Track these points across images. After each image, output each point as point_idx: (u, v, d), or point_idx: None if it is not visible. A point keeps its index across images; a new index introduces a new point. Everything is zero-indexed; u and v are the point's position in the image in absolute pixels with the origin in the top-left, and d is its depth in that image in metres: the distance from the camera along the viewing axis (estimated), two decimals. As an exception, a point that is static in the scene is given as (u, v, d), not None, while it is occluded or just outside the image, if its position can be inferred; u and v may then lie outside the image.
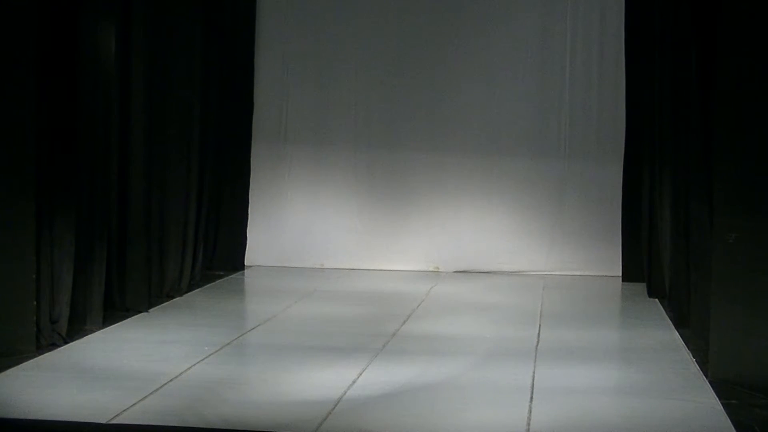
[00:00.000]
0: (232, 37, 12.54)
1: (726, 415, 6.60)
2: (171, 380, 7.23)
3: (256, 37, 12.79)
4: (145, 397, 6.80)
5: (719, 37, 7.53)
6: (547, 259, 12.64)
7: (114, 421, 6.30)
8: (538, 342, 8.77)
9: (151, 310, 9.83)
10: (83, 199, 8.93)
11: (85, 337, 8.57)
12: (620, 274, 12.17)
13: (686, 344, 8.60)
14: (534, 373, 7.62)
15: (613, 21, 12.35)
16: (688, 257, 9.22)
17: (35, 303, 8.08)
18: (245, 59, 12.71)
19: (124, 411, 6.48)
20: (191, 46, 11.26)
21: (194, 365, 7.70)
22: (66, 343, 8.30)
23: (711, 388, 7.19)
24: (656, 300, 10.75)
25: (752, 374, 7.16)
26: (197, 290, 11.19)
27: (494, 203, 12.75)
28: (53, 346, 8.16)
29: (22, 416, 6.34)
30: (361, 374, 7.49)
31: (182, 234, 11.18)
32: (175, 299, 10.57)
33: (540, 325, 9.49)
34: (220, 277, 12.10)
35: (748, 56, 7.27)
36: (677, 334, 9.07)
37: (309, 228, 12.93)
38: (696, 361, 7.99)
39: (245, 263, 12.74)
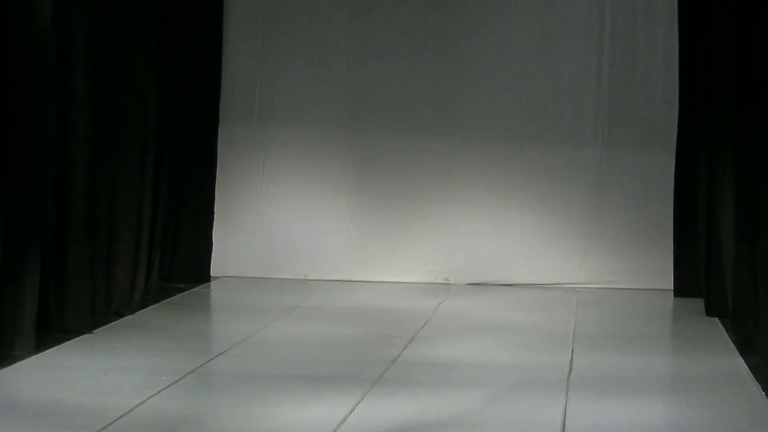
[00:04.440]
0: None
1: (801, 458, 6.63)
2: (121, 417, 7.21)
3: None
4: (88, 437, 6.77)
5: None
6: (581, 269, 12.65)
7: (49, 467, 6.31)
8: (570, 370, 8.79)
9: (95, 332, 9.83)
10: (12, 197, 8.90)
11: (14, 365, 8.56)
12: (671, 288, 12.19)
13: (753, 373, 8.63)
14: (565, 408, 7.63)
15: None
16: (756, 267, 9.21)
17: (-47, 322, 8.09)
18: (212, 23, 12.71)
19: (61, 454, 6.49)
20: (146, 10, 11.23)
21: (149, 399, 7.68)
22: (-9, 371, 8.30)
23: (784, 427, 7.20)
24: (716, 319, 10.78)
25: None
26: (153, 306, 11.20)
27: (516, 202, 12.75)
28: (-25, 375, 8.16)
29: (-64, 461, 6.34)
30: (353, 409, 7.49)
31: (135, 238, 11.18)
32: (125, 318, 10.57)
33: (573, 350, 9.52)
34: (181, 290, 12.12)
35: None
36: (742, 360, 9.11)
37: (290, 231, 12.92)
38: (765, 393, 8.01)
39: (211, 274, 12.76)
